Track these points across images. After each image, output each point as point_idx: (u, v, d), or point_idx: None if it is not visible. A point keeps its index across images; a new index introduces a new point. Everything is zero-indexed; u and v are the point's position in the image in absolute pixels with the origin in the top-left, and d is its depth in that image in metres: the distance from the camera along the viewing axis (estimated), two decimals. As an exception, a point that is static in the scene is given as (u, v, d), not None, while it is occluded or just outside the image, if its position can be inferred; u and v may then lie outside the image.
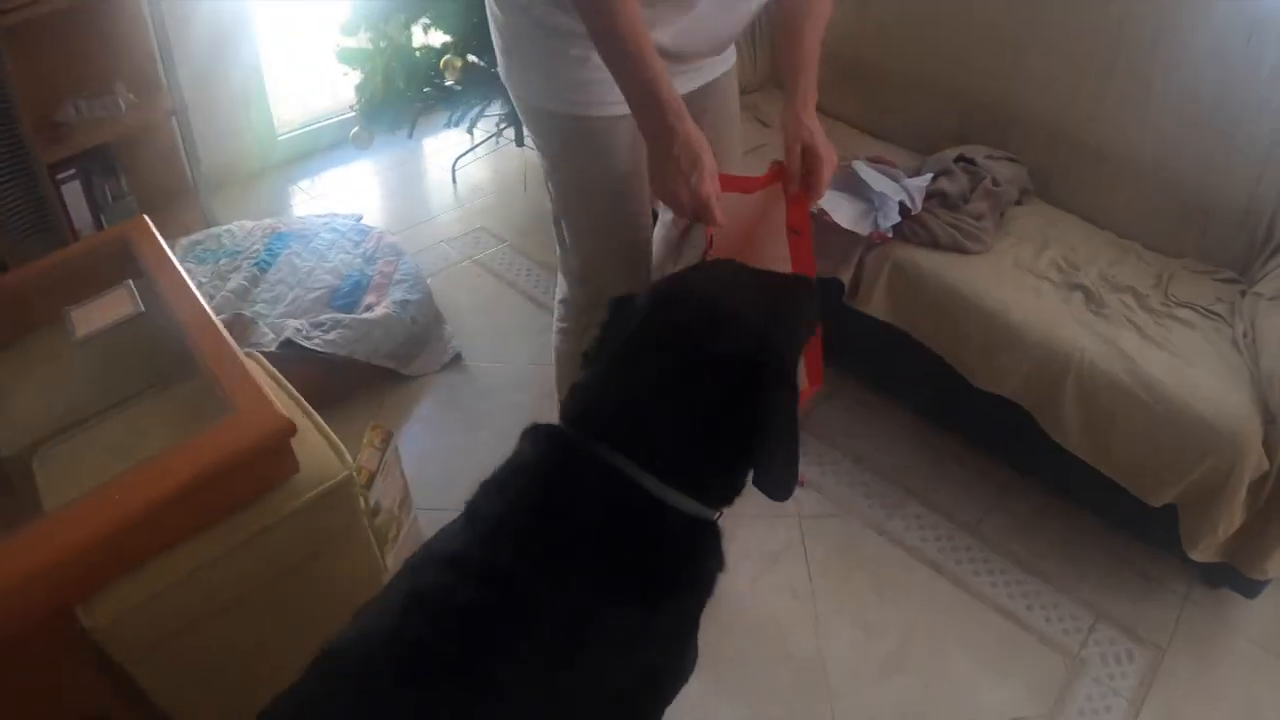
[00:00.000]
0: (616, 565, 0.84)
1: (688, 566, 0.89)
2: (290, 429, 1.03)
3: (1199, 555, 1.48)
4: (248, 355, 1.33)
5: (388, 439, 1.50)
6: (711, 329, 0.89)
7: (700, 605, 0.94)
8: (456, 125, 2.40)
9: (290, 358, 1.75)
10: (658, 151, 1.08)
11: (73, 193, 2.13)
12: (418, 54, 2.43)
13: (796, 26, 1.23)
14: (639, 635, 0.86)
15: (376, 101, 2.38)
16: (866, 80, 2.15)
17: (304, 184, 2.80)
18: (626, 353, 0.90)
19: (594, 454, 0.85)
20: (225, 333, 1.17)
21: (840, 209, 1.73)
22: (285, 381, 1.27)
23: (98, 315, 1.26)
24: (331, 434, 1.18)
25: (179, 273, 1.29)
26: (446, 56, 2.21)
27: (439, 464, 1.80)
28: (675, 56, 1.22)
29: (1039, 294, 1.64)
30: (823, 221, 1.69)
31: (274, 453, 1.05)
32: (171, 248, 2.16)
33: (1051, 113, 1.89)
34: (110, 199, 2.22)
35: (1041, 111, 1.90)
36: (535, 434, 0.91)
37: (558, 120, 1.25)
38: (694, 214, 1.07)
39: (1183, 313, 1.62)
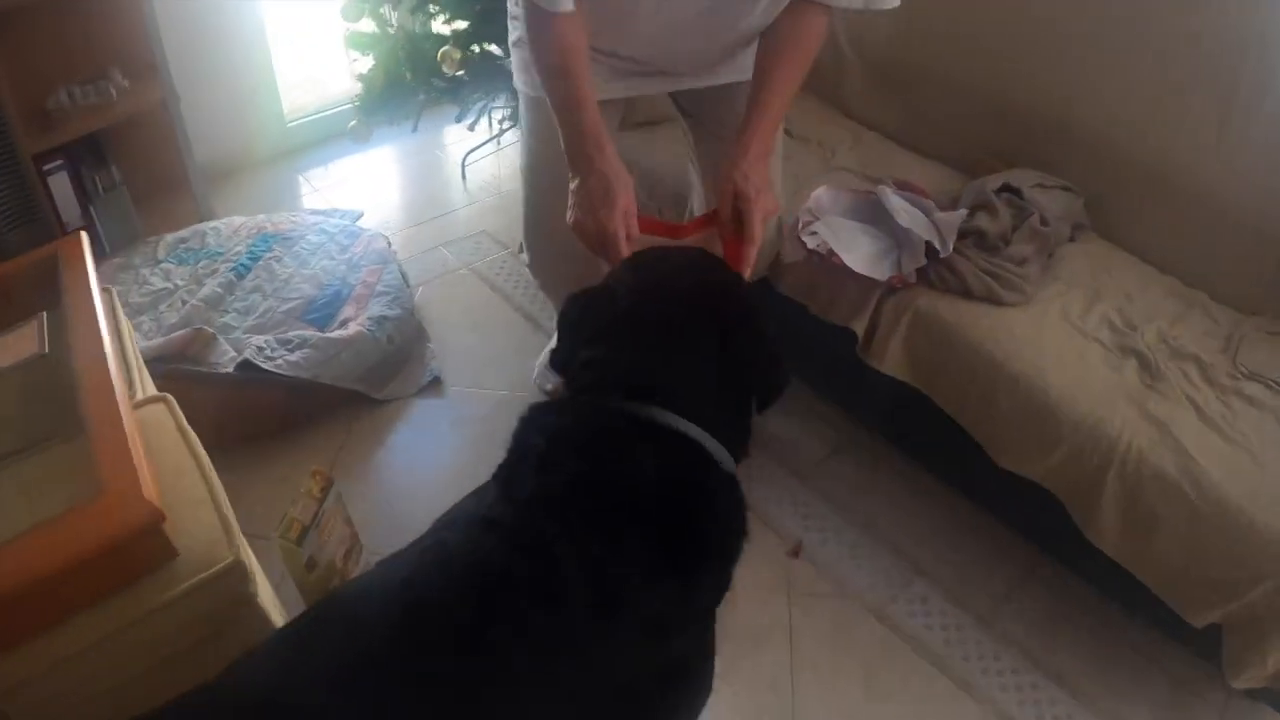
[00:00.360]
0: (666, 523, 0.82)
1: (726, 523, 0.88)
2: (155, 521, 0.90)
3: (1241, 684, 1.25)
4: (159, 400, 1.21)
5: (328, 487, 1.38)
6: (706, 293, 0.95)
7: (725, 585, 0.90)
8: (460, 120, 2.24)
9: (249, 380, 1.64)
10: (575, 179, 1.09)
11: (60, 184, 2.05)
12: (430, 42, 2.27)
13: (766, 69, 1.18)
14: (672, 611, 0.83)
15: (377, 92, 2.24)
16: (905, 86, 1.90)
17: (316, 172, 2.69)
18: (630, 323, 0.92)
19: (632, 409, 0.85)
20: (117, 388, 1.04)
21: (856, 246, 1.52)
22: (193, 438, 1.14)
23: (5, 353, 1.16)
24: (226, 509, 1.05)
25: (93, 308, 1.17)
26: (444, 48, 2.04)
27: (403, 502, 1.67)
28: (655, 68, 1.29)
29: (1085, 359, 1.40)
30: (831, 264, 1.48)
31: (141, 541, 0.92)
32: (157, 244, 2.11)
33: (1113, 133, 1.62)
34: (100, 190, 2.14)
35: (1102, 131, 1.63)
36: (566, 403, 0.91)
37: (521, 100, 1.39)
38: (599, 249, 1.05)
39: (1251, 388, 1.37)
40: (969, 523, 1.64)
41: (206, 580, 0.98)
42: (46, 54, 2.08)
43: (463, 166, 2.60)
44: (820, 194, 1.61)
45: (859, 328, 1.51)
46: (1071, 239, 1.66)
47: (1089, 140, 1.66)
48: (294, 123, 2.71)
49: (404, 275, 2.06)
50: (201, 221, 2.21)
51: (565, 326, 0.98)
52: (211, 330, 1.68)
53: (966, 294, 1.47)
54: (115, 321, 1.37)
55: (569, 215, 1.07)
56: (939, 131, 1.88)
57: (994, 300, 1.46)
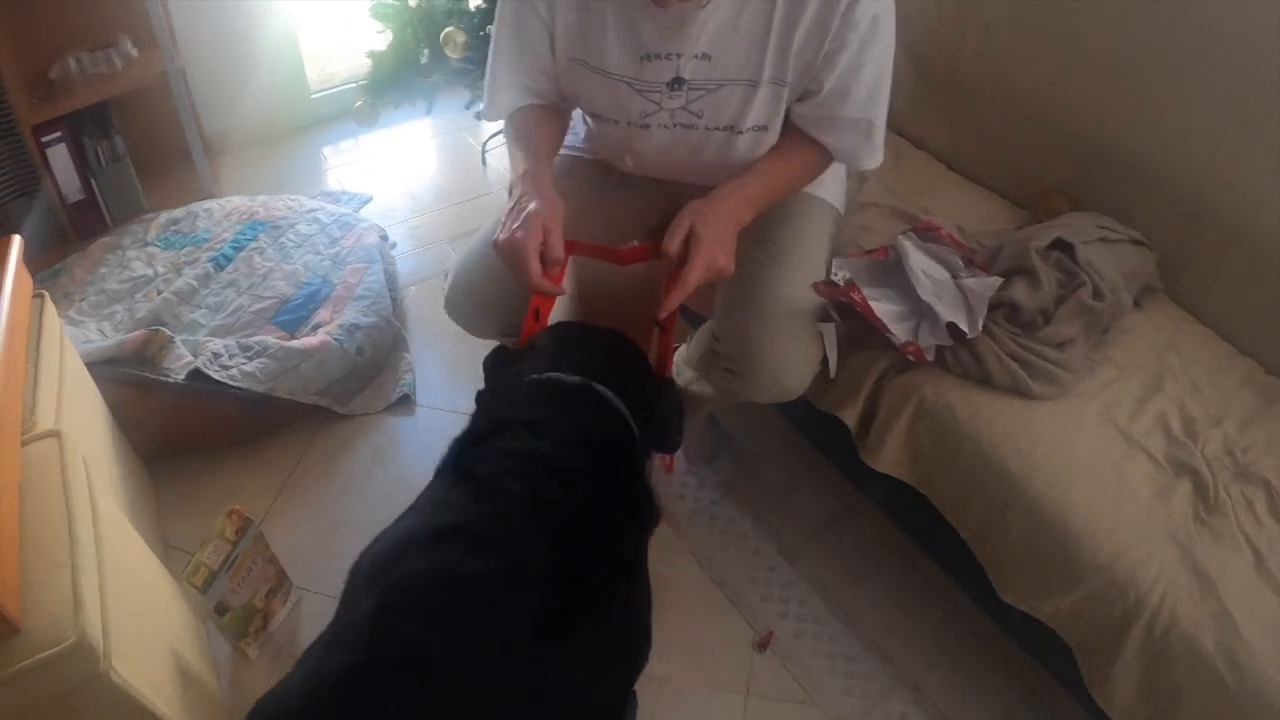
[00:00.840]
0: (618, 483, 0.96)
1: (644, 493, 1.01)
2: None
3: None
4: (50, 435, 1.11)
5: (244, 528, 1.27)
6: (615, 343, 1.12)
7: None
8: (469, 108, 2.07)
9: (199, 390, 1.54)
10: (510, 202, 1.11)
11: (59, 155, 2.00)
12: (452, 19, 2.11)
13: (766, 154, 1.20)
14: (637, 563, 0.96)
15: (387, 71, 2.09)
16: (959, 97, 1.64)
17: (345, 145, 2.59)
18: (552, 346, 1.07)
19: (576, 382, 0.99)
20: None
21: (878, 302, 1.28)
22: (76, 485, 1.04)
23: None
24: (83, 578, 0.95)
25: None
26: (448, 29, 1.87)
27: (345, 532, 1.54)
28: (663, 180, 1.34)
29: (1124, 478, 1.15)
30: (842, 304, 1.25)
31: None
32: (150, 224, 2.04)
33: (1197, 181, 1.33)
34: (104, 162, 2.08)
35: (1183, 177, 1.35)
36: (526, 385, 1.00)
37: None
38: (509, 264, 1.06)
39: (1334, 532, 1.10)
40: (978, 632, 1.43)
41: (47, 660, 0.89)
42: (55, 20, 2.01)
43: (483, 152, 2.44)
44: (834, 265, 1.37)
45: (850, 418, 1.28)
46: (1137, 303, 1.39)
47: (1165, 186, 1.37)
48: (319, 94, 2.60)
49: (390, 276, 1.93)
50: (207, 198, 2.14)
51: (488, 366, 1.11)
52: (169, 332, 1.60)
53: (985, 381, 1.24)
54: (38, 336, 1.30)
55: (496, 235, 1.08)
56: (995, 156, 1.62)
57: (1020, 393, 1.22)
